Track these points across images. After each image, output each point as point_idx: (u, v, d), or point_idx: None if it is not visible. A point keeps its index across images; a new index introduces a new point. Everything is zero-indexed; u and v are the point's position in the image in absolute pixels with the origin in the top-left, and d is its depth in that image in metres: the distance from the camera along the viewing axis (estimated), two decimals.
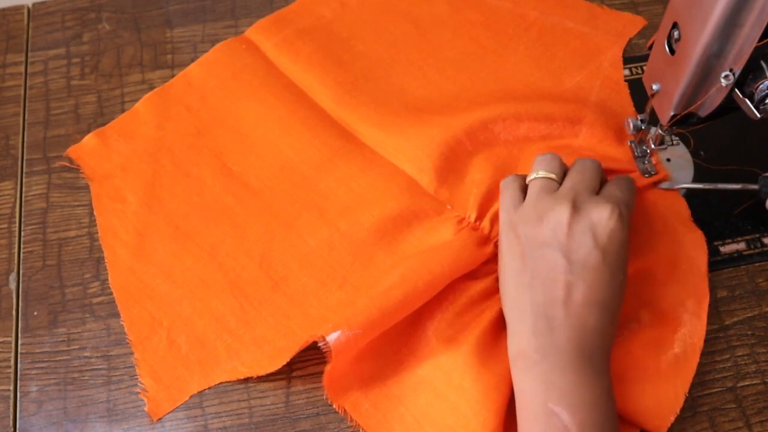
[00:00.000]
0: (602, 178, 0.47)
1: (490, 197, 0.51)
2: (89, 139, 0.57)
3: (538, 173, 0.46)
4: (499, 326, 0.47)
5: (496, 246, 0.49)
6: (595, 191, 0.45)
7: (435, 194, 0.52)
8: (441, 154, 0.52)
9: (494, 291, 0.48)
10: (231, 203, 0.54)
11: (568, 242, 0.42)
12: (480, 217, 0.50)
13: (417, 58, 0.60)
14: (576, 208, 0.43)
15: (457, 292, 0.47)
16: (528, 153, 0.53)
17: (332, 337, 0.43)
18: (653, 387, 0.45)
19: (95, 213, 0.54)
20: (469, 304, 0.47)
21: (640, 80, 0.57)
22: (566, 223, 0.42)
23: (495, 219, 0.49)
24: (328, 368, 0.44)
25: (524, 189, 0.47)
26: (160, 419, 0.47)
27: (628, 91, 0.57)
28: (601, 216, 0.42)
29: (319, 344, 0.44)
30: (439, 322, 0.47)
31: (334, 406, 0.46)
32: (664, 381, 0.45)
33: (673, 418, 0.44)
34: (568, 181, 0.45)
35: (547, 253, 0.42)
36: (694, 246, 0.49)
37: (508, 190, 0.47)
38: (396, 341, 0.47)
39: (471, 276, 0.48)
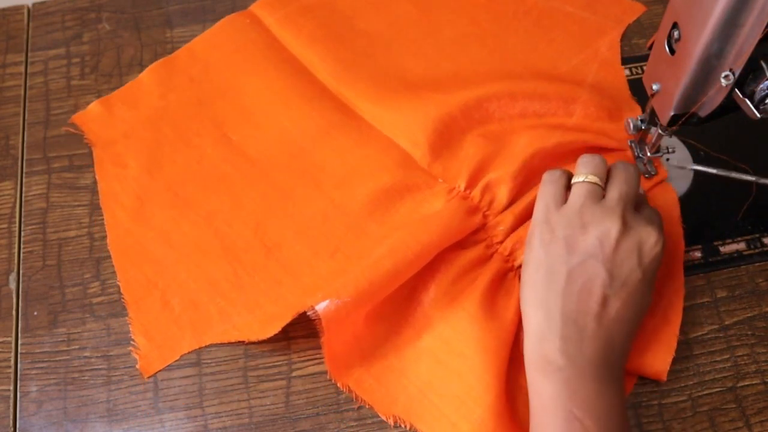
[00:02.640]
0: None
1: (481, 169, 0.51)
2: (94, 107, 0.59)
3: (587, 177, 0.44)
4: (494, 292, 0.47)
5: (485, 216, 0.50)
6: (637, 206, 0.45)
7: (428, 168, 0.53)
8: (435, 129, 0.53)
9: (485, 259, 0.49)
10: (229, 172, 0.55)
11: (613, 257, 0.42)
12: (470, 187, 0.51)
13: (417, 36, 0.61)
14: (626, 223, 0.42)
15: (447, 263, 0.48)
16: (521, 130, 0.53)
17: (321, 306, 0.44)
18: (646, 335, 0.46)
19: (97, 177, 0.56)
20: (462, 273, 0.48)
21: (640, 80, 0.57)
22: (615, 238, 0.42)
23: (486, 189, 0.50)
24: (324, 341, 0.45)
25: (568, 188, 0.46)
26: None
27: (624, 73, 0.58)
28: (650, 239, 0.42)
29: (308, 313, 0.44)
30: (434, 292, 0.48)
31: (338, 385, 0.47)
32: (655, 328, 0.47)
33: (670, 359, 0.46)
34: (615, 191, 0.44)
35: (589, 263, 0.42)
36: (667, 205, 0.51)
37: (552, 185, 0.45)
38: (394, 315, 0.48)
39: (460, 245, 0.49)
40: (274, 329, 0.46)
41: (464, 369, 0.45)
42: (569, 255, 0.42)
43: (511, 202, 0.50)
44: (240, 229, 0.52)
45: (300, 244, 0.51)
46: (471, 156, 0.52)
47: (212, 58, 0.61)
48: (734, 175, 0.50)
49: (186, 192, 0.54)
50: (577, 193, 0.44)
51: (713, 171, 0.51)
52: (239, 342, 0.48)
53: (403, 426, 0.46)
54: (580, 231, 0.42)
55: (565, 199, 0.45)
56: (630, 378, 0.46)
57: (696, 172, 0.53)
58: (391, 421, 0.46)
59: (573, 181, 0.45)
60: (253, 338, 0.47)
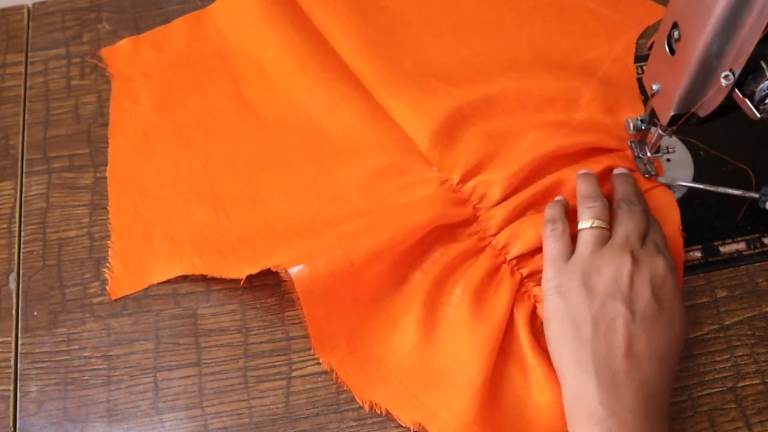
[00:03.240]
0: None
1: (478, 167, 0.52)
2: (123, 44, 0.62)
3: (593, 223, 0.45)
4: (485, 287, 0.48)
5: (475, 209, 0.50)
6: (643, 238, 0.45)
7: (427, 154, 0.53)
8: (439, 118, 0.54)
9: (477, 251, 0.49)
10: (235, 124, 0.57)
11: (630, 293, 0.42)
12: (463, 181, 0.51)
13: (437, 18, 0.62)
14: (635, 259, 0.43)
15: (438, 254, 0.49)
16: (525, 130, 0.53)
17: (294, 270, 0.45)
18: None
19: (110, 108, 0.59)
20: (453, 266, 0.49)
21: (640, 80, 0.57)
22: (628, 274, 0.42)
23: (478, 186, 0.51)
24: (305, 314, 0.46)
25: (572, 238, 0.46)
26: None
27: (635, 72, 0.58)
28: (657, 267, 0.43)
29: (279, 272, 0.46)
30: (424, 284, 0.48)
31: (321, 361, 0.47)
32: None
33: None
34: (621, 230, 0.45)
35: (609, 303, 0.42)
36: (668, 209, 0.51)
37: (557, 241, 0.46)
38: (382, 302, 0.48)
39: (452, 239, 0.50)
40: (239, 273, 0.48)
41: (449, 364, 0.46)
42: (590, 300, 0.42)
43: (503, 200, 0.50)
44: (233, 178, 0.55)
45: (285, 202, 0.53)
46: (471, 151, 0.52)
47: (241, 16, 0.62)
48: (721, 189, 0.50)
49: (190, 135, 0.57)
50: (585, 240, 0.45)
51: (700, 187, 0.51)
52: (207, 277, 0.50)
53: (378, 412, 0.46)
54: (595, 275, 0.43)
55: (571, 250, 0.45)
56: None
57: (696, 172, 0.53)
58: (366, 407, 0.46)
59: (579, 227, 0.46)
60: (216, 274, 0.49)
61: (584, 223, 0.46)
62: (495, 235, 0.49)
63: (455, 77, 0.57)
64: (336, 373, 0.47)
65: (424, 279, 0.48)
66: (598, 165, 0.51)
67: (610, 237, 0.45)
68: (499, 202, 0.50)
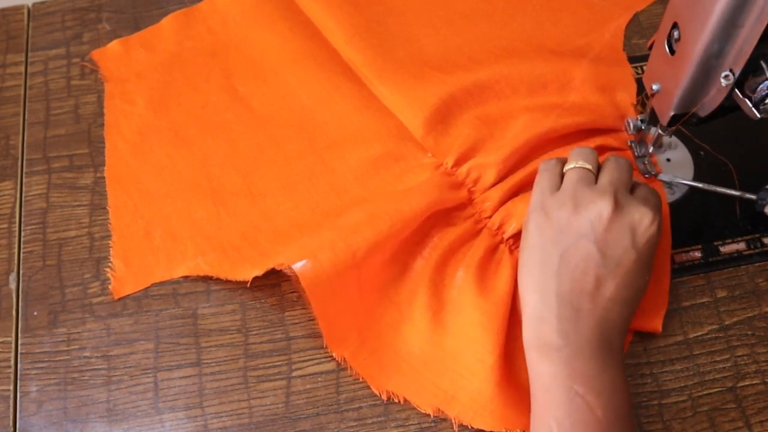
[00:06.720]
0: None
1: (472, 149, 0.52)
2: (113, 45, 0.62)
3: (578, 163, 0.45)
4: (485, 267, 0.48)
5: (470, 192, 0.51)
6: (630, 190, 0.45)
7: (421, 140, 0.54)
8: (432, 105, 0.54)
9: (474, 234, 0.50)
10: (230, 119, 0.57)
11: (606, 237, 0.42)
12: (457, 165, 0.52)
13: (430, 7, 0.62)
14: (618, 204, 0.42)
15: (437, 240, 0.49)
16: (518, 113, 0.54)
17: (298, 266, 0.45)
18: None
19: (105, 110, 0.58)
20: (452, 250, 0.49)
21: (640, 80, 0.57)
22: (607, 218, 0.42)
23: (473, 169, 0.51)
24: (315, 309, 0.46)
25: (562, 175, 0.46)
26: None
27: (625, 56, 0.59)
28: (644, 219, 0.42)
29: (284, 270, 0.46)
30: (426, 270, 0.48)
31: (333, 355, 0.47)
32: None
33: (664, 311, 0.47)
34: (606, 176, 0.44)
35: (582, 243, 0.42)
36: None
37: (547, 172, 0.47)
38: (387, 291, 0.49)
39: (449, 223, 0.50)
40: (243, 275, 0.48)
41: (459, 346, 0.46)
42: (562, 236, 0.43)
43: (497, 183, 0.51)
44: (231, 174, 0.55)
45: (283, 195, 0.53)
46: (464, 136, 0.52)
47: (231, 13, 0.63)
48: (720, 189, 0.50)
49: (186, 133, 0.57)
50: (569, 178, 0.45)
51: (699, 185, 0.51)
52: (207, 277, 0.50)
53: (396, 401, 0.46)
54: (572, 212, 0.43)
55: (560, 185, 0.46)
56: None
57: (696, 172, 0.53)
58: (384, 396, 0.46)
59: (565, 168, 0.46)
60: (222, 276, 0.50)
61: (570, 164, 0.46)
62: (490, 216, 0.50)
63: (447, 65, 0.57)
64: (350, 366, 0.47)
65: (426, 265, 0.49)
66: (591, 144, 0.51)
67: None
68: (493, 185, 0.51)
